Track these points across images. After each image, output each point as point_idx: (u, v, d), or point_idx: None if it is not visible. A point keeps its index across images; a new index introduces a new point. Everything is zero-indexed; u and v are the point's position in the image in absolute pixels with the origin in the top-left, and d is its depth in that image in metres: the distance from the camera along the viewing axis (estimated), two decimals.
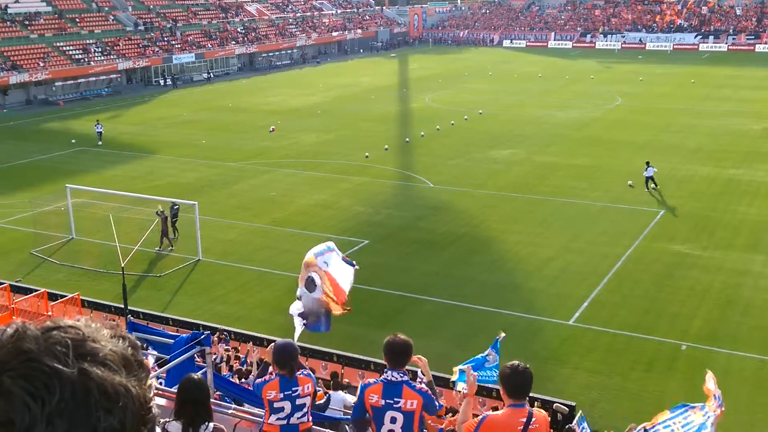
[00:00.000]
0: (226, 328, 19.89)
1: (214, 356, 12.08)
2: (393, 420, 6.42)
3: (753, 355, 19.15)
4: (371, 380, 6.71)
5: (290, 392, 7.11)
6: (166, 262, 25.55)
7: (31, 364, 1.11)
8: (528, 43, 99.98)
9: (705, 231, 28.27)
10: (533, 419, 5.78)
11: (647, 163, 33.42)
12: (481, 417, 5.80)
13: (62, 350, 1.14)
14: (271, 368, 7.30)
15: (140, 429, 1.18)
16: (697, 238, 27.45)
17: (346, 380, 15.52)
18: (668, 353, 19.36)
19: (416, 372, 12.67)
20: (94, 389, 1.12)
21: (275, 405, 7.14)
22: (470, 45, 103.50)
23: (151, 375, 1.26)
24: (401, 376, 6.42)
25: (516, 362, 5.86)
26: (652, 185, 32.79)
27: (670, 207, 31.03)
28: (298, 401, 7.15)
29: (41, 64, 63.23)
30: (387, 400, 6.39)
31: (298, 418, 7.25)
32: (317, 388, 7.46)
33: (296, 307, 9.45)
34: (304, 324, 9.38)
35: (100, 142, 44.53)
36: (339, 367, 17.29)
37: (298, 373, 7.21)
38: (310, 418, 7.43)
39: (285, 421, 7.20)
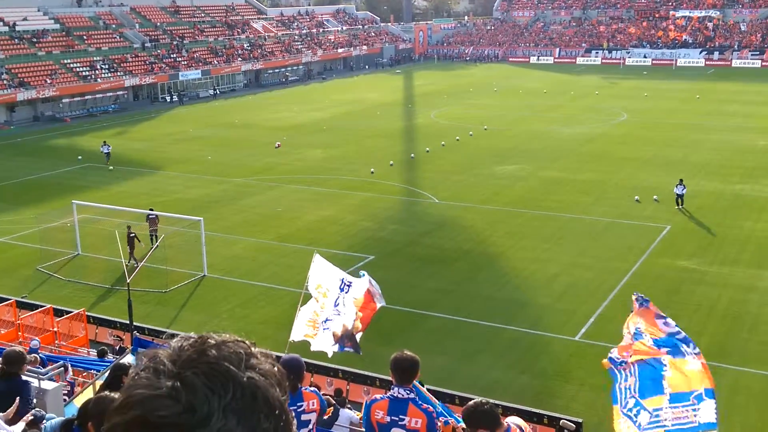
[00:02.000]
0: None
1: None
2: None
3: (762, 371, 19.00)
4: (378, 396, 6.68)
5: (294, 407, 7.10)
6: (172, 277, 25.55)
7: (212, 365, 1.31)
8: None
9: (712, 246, 28.17)
10: (523, 427, 5.81)
11: (681, 180, 32.92)
12: None
13: (236, 359, 1.35)
14: None
15: None
16: (703, 254, 27.34)
17: (349, 401, 15.44)
18: None
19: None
20: (259, 395, 1.32)
21: None
22: (475, 61, 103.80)
23: None
24: (407, 393, 6.37)
25: (474, 401, 5.83)
26: (680, 203, 32.27)
27: (677, 222, 30.94)
28: (303, 417, 7.13)
29: (48, 81, 63.64)
30: (392, 417, 6.35)
31: None
32: (324, 403, 7.43)
33: (327, 341, 9.45)
34: (342, 347, 9.49)
35: (109, 165, 43.08)
36: (344, 383, 17.23)
37: (303, 388, 7.20)
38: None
39: None
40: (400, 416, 6.33)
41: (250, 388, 1.31)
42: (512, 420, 5.90)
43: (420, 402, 6.55)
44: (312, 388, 7.65)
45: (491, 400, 5.90)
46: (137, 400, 1.27)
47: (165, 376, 1.29)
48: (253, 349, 1.40)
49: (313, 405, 7.19)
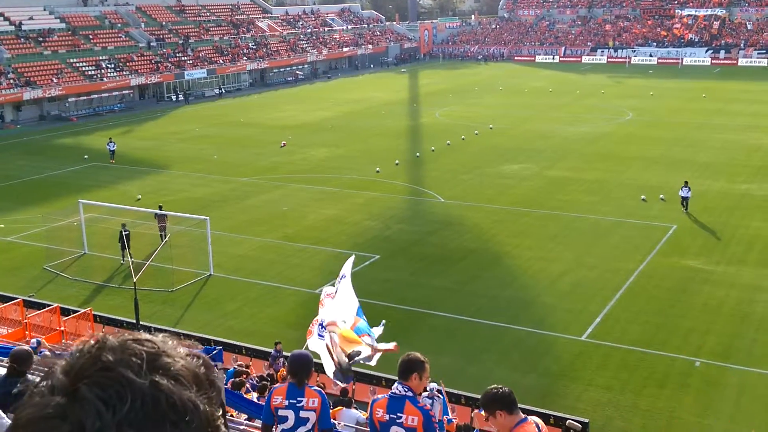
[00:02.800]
0: (238, 343, 19.91)
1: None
2: None
3: None
4: (380, 395, 6.72)
5: (295, 401, 7.22)
6: (178, 276, 25.61)
7: (106, 374, 1.18)
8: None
9: (718, 246, 28.10)
10: (541, 427, 5.78)
11: (685, 182, 32.40)
12: None
13: (137, 362, 1.20)
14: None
15: None
16: (710, 254, 27.28)
17: (355, 400, 15.46)
18: (682, 370, 19.20)
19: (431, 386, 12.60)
20: (163, 401, 1.17)
21: (280, 412, 7.27)
22: (486, 60, 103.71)
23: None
24: (405, 391, 6.38)
25: (493, 385, 5.80)
26: (686, 207, 31.78)
27: (683, 222, 30.88)
28: (302, 413, 7.20)
29: (55, 81, 63.81)
30: (391, 415, 6.37)
31: None
32: (327, 404, 7.48)
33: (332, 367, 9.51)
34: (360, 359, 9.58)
35: (112, 161, 44.06)
36: (350, 383, 17.22)
37: (307, 385, 7.27)
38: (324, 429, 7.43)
39: None
40: (398, 414, 6.35)
41: (152, 395, 1.17)
42: (532, 418, 5.91)
43: (417, 400, 6.57)
44: (316, 387, 7.69)
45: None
46: (23, 423, 1.16)
47: (57, 391, 1.17)
48: (164, 346, 1.26)
49: (313, 403, 7.23)
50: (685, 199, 31.91)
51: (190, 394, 1.21)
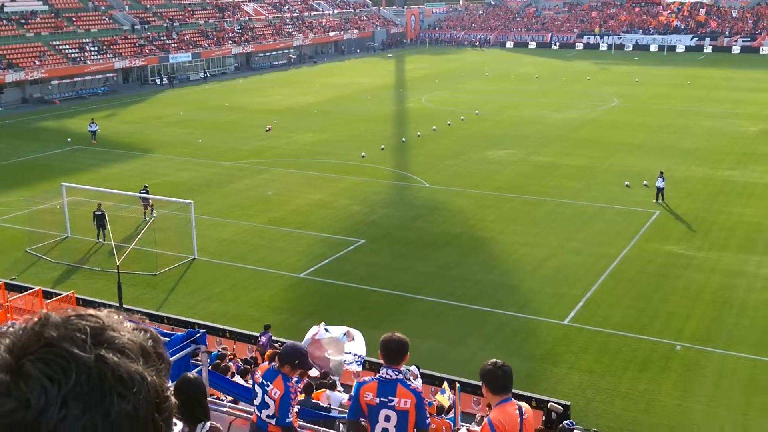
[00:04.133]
0: (222, 326, 19.90)
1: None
2: (387, 418, 6.40)
3: (747, 355, 19.20)
4: (366, 378, 6.69)
5: (265, 384, 7.58)
6: (162, 260, 25.53)
7: (50, 349, 1.18)
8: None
9: (700, 232, 28.34)
10: (524, 410, 5.83)
11: (661, 173, 32.22)
12: (487, 424, 5.78)
13: (81, 336, 1.20)
14: None
15: (155, 416, 1.22)
16: (692, 239, 27.51)
17: (340, 383, 15.49)
18: (663, 353, 19.40)
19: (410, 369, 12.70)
20: (109, 374, 1.17)
21: (255, 387, 7.70)
22: (467, 46, 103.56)
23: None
24: (396, 375, 6.40)
25: (494, 360, 5.88)
26: (661, 198, 31.57)
27: (666, 208, 31.09)
28: (266, 398, 7.46)
29: (37, 63, 63.10)
30: (381, 398, 6.37)
31: (266, 417, 7.34)
32: (295, 401, 7.67)
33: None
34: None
35: (94, 141, 44.21)
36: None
37: (282, 375, 7.42)
38: (280, 425, 7.57)
39: (258, 413, 7.50)
40: (390, 397, 6.36)
41: (97, 368, 1.17)
42: (520, 403, 6.01)
43: (409, 383, 6.58)
44: (289, 381, 7.81)
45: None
46: None
47: (1, 368, 1.17)
48: (109, 320, 1.26)
49: (275, 393, 7.63)
50: (660, 189, 31.79)
51: (137, 367, 1.21)
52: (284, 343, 18.26)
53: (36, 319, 1.23)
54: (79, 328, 1.21)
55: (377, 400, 6.36)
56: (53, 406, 1.12)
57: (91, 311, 1.27)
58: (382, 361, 6.53)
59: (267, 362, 7.87)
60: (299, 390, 7.64)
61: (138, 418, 1.19)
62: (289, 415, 7.63)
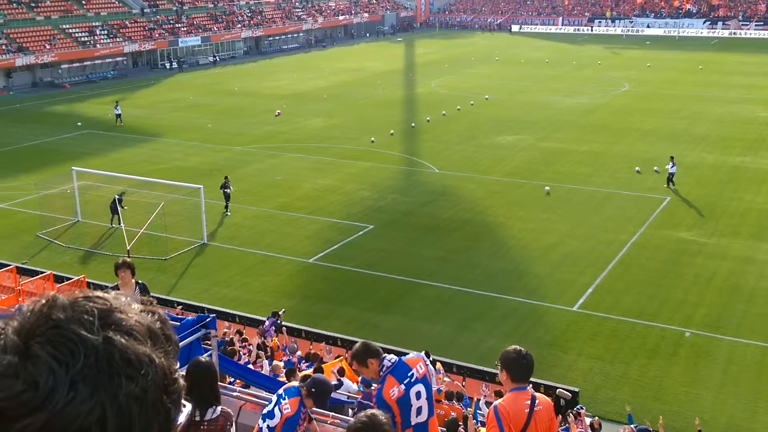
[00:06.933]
0: (231, 311, 20.00)
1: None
2: (418, 395, 6.35)
3: (757, 342, 19.15)
4: (377, 386, 6.56)
5: (282, 396, 7.26)
6: (172, 245, 25.62)
7: (58, 331, 1.17)
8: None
9: (711, 218, 28.20)
10: (537, 401, 5.79)
11: (671, 157, 32.10)
12: (492, 411, 5.76)
13: (89, 318, 1.19)
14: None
15: (163, 398, 1.22)
16: (702, 226, 27.39)
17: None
18: (672, 340, 19.38)
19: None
20: (116, 356, 1.17)
21: (270, 402, 7.40)
22: (477, 30, 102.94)
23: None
24: (391, 358, 6.39)
25: (518, 347, 5.84)
26: (672, 183, 31.38)
27: (676, 194, 30.94)
28: (276, 409, 7.13)
29: (47, 47, 63.16)
30: (403, 382, 6.33)
31: (268, 428, 7.17)
32: (302, 427, 7.38)
33: None
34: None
35: (120, 123, 45.54)
36: (343, 351, 17.36)
37: (301, 399, 7.20)
38: None
39: (261, 422, 7.26)
40: (408, 374, 6.32)
41: (105, 350, 1.16)
42: (538, 394, 5.99)
43: (407, 354, 6.61)
44: (301, 409, 7.57)
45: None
46: None
47: (9, 350, 1.16)
48: (116, 303, 1.25)
49: (281, 413, 7.33)
50: (671, 174, 31.58)
51: (145, 348, 1.21)
52: (288, 327, 18.29)
53: (43, 301, 1.23)
54: (87, 310, 1.20)
55: (402, 387, 6.32)
56: (61, 389, 1.12)
57: (99, 293, 1.27)
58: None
59: (292, 382, 7.80)
60: (309, 418, 7.49)
61: (146, 400, 1.18)
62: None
